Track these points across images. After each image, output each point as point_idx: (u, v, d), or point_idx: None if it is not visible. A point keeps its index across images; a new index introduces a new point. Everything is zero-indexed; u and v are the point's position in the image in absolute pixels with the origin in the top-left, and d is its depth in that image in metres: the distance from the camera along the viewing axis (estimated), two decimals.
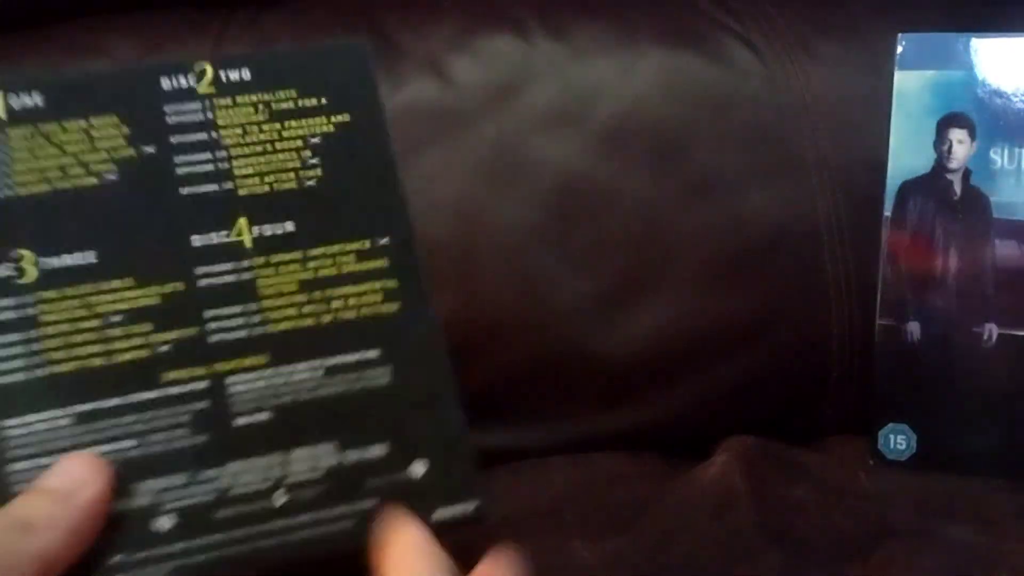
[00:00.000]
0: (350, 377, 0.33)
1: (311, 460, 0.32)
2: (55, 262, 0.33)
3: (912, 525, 0.49)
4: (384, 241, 0.35)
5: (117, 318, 0.32)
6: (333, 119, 0.36)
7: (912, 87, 0.56)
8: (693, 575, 0.46)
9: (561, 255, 0.59)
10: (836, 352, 0.61)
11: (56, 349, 0.32)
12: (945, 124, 0.55)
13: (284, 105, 0.36)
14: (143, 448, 0.31)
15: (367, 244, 0.34)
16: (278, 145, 0.35)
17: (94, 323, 0.32)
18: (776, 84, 0.64)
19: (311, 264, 0.34)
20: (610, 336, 0.59)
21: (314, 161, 0.35)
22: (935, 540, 0.48)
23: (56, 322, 0.32)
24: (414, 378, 0.33)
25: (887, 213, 0.56)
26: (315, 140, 0.35)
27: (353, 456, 0.32)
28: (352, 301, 0.34)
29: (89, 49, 0.67)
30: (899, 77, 0.56)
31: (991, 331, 0.54)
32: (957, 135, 0.55)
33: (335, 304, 0.34)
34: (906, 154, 0.56)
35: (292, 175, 0.35)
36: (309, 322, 0.33)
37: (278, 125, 0.35)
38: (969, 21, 0.65)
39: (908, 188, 0.56)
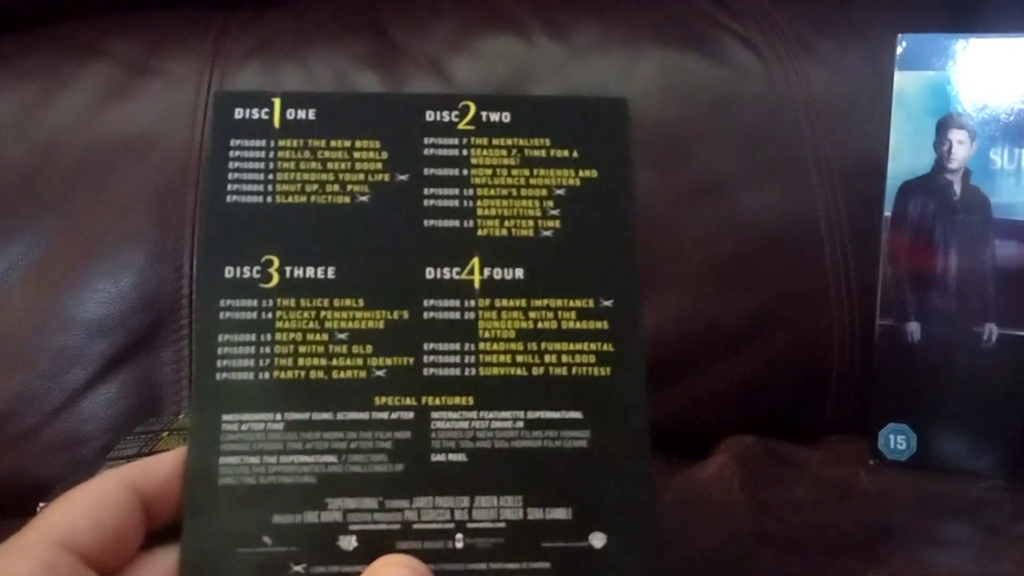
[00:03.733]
0: (549, 434, 0.33)
1: (495, 510, 0.32)
2: (298, 272, 0.34)
3: (912, 525, 0.49)
4: (608, 303, 0.34)
5: (343, 335, 0.33)
6: (581, 173, 0.36)
7: (912, 87, 0.56)
8: None
9: None
10: (836, 352, 0.61)
11: (284, 356, 0.33)
12: (945, 124, 0.55)
13: (536, 153, 0.36)
14: (342, 466, 0.32)
15: (590, 303, 0.34)
16: (523, 192, 0.35)
17: (322, 337, 0.33)
18: (776, 84, 0.64)
19: (532, 314, 0.34)
20: None
21: (554, 212, 0.35)
22: (935, 540, 0.48)
23: (289, 330, 0.33)
24: (611, 447, 0.33)
25: (887, 213, 0.56)
26: (559, 192, 0.35)
27: (536, 514, 0.32)
28: (565, 358, 0.33)
29: (89, 49, 0.67)
30: (899, 77, 0.56)
31: (991, 331, 0.54)
32: (957, 135, 0.55)
33: (548, 358, 0.33)
34: (906, 154, 0.56)
35: (531, 223, 0.35)
36: (520, 372, 0.33)
37: (527, 171, 0.36)
38: (969, 21, 0.65)
39: (908, 188, 0.56)
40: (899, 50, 0.56)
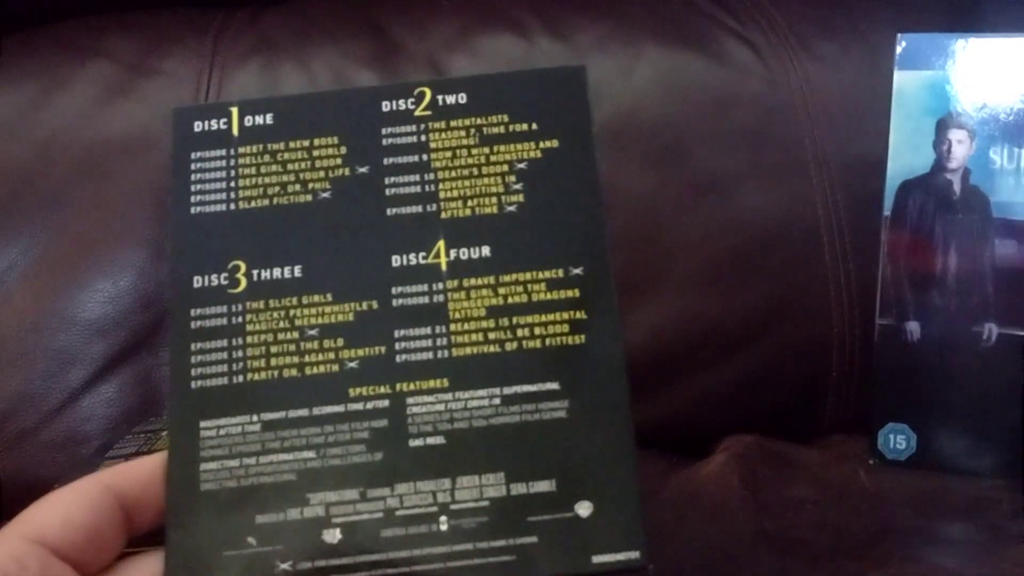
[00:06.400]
0: (527, 408, 0.32)
1: (477, 489, 0.32)
2: (265, 274, 0.34)
3: (912, 525, 0.49)
4: (577, 271, 0.34)
5: (313, 332, 0.33)
6: (542, 144, 0.36)
7: (912, 87, 0.56)
8: None
9: None
10: (836, 352, 0.61)
11: (257, 358, 0.33)
12: (944, 124, 0.55)
13: (495, 130, 0.36)
14: (321, 460, 0.32)
15: (559, 273, 0.34)
16: (484, 170, 0.35)
17: (293, 335, 0.33)
18: (776, 84, 0.64)
19: (502, 290, 0.34)
20: None
21: (517, 187, 0.35)
22: (935, 540, 0.48)
23: (260, 332, 0.33)
24: (592, 415, 0.32)
25: (887, 212, 0.56)
26: (521, 165, 0.35)
27: (519, 489, 0.32)
28: (538, 330, 0.33)
29: (89, 49, 0.67)
30: (899, 77, 0.56)
31: (991, 331, 0.54)
32: (956, 135, 0.55)
33: (521, 332, 0.33)
34: (906, 154, 0.56)
35: (494, 200, 0.35)
36: (493, 349, 0.33)
37: (487, 150, 0.36)
38: (969, 21, 0.65)
39: (908, 188, 0.56)
40: (899, 50, 0.56)
